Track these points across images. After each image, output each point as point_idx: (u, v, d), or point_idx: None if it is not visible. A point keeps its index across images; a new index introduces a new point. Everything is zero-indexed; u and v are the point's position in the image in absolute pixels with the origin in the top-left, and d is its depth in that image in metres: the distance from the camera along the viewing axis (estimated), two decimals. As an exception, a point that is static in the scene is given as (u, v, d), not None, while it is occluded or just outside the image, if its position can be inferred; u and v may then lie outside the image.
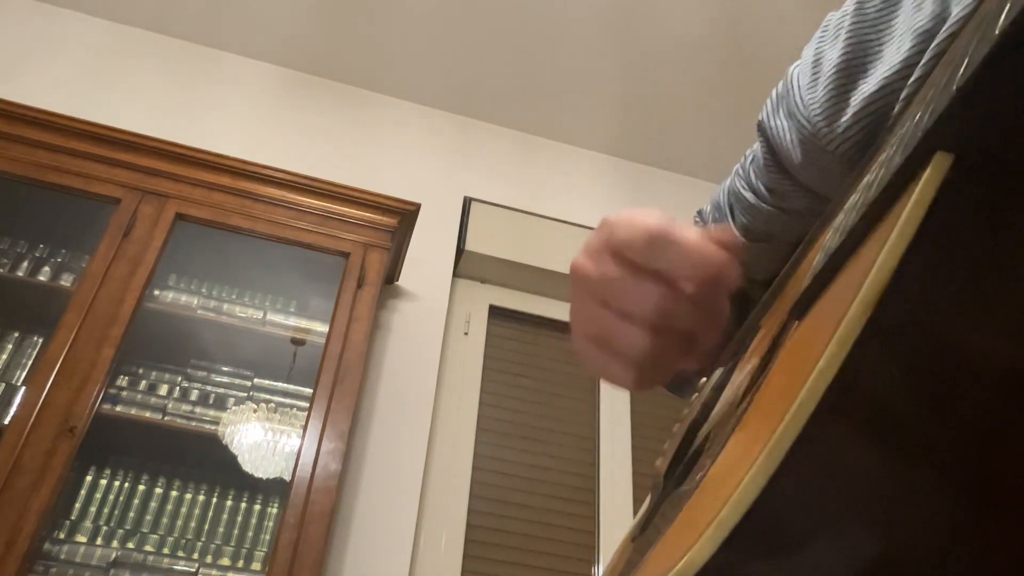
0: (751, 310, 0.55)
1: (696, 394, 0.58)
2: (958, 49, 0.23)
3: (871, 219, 0.27)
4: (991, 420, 0.24)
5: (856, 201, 0.29)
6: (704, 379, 0.58)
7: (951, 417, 0.24)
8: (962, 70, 0.22)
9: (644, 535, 0.48)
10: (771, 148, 0.58)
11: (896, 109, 0.43)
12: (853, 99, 0.48)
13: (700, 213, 0.71)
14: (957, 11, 0.38)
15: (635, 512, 2.48)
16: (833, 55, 0.51)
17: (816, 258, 0.33)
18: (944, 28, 0.39)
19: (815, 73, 0.52)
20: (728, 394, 0.45)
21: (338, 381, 2.06)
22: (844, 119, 0.48)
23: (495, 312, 2.79)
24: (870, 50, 0.48)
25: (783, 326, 0.36)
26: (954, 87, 0.22)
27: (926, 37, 0.43)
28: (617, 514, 2.47)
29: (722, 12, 2.69)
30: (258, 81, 2.94)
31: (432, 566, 2.25)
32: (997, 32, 0.21)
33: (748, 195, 0.62)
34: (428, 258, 2.67)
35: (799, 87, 0.54)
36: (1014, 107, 0.22)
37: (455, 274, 2.77)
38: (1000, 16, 0.21)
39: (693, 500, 0.34)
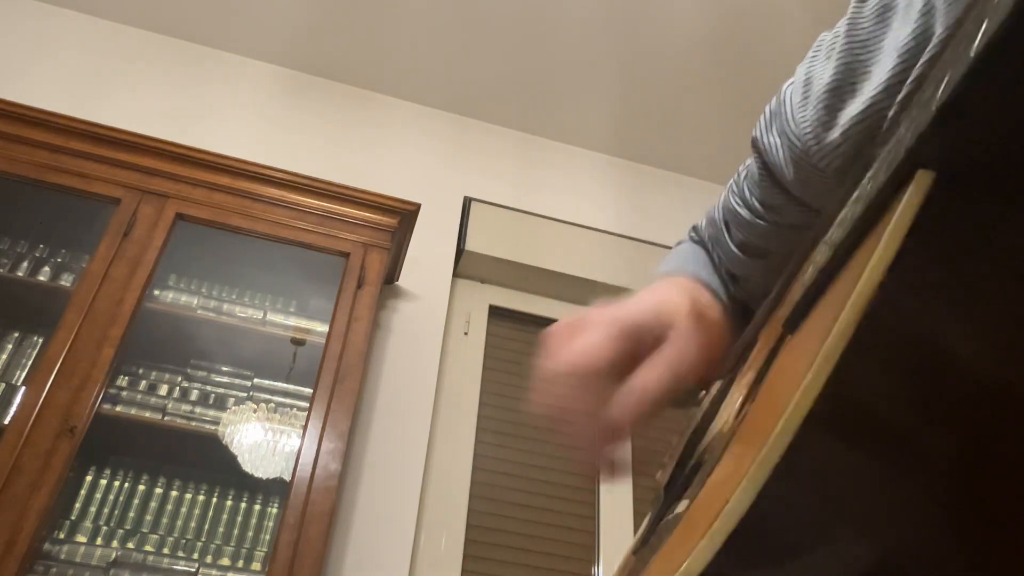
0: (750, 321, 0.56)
1: (695, 408, 0.59)
2: (940, 68, 0.24)
3: (857, 234, 0.28)
4: (978, 428, 0.24)
5: (845, 216, 0.29)
6: (703, 392, 0.58)
7: (939, 425, 0.24)
8: (941, 89, 0.22)
9: (645, 548, 0.48)
10: (765, 164, 0.59)
11: (885, 126, 0.44)
12: (841, 119, 0.48)
13: (695, 228, 0.72)
14: (940, 31, 0.39)
15: (635, 512, 2.49)
16: (824, 75, 0.51)
17: (807, 272, 0.34)
18: (928, 47, 0.39)
19: (806, 92, 0.53)
20: (726, 407, 0.45)
21: (338, 381, 2.06)
22: (832, 138, 0.49)
23: (495, 312, 2.79)
24: (859, 70, 0.49)
25: (777, 340, 0.36)
26: (933, 107, 0.23)
27: (908, 55, 0.43)
28: (617, 514, 2.48)
29: (722, 12, 2.68)
30: (258, 81, 2.94)
31: (432, 566, 2.25)
32: (972, 54, 0.21)
33: (743, 211, 0.63)
34: (428, 258, 2.68)
35: (791, 106, 0.54)
36: (993, 125, 0.23)
37: (455, 274, 2.77)
38: (976, 37, 0.21)
39: (690, 512, 0.34)
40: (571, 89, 2.99)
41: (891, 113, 0.43)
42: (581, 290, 2.80)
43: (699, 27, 2.73)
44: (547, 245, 2.81)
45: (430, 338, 2.57)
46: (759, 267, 0.63)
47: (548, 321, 2.98)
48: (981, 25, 0.21)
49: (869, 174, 0.27)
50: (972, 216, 0.24)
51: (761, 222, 0.61)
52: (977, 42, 0.21)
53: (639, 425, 0.47)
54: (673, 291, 0.56)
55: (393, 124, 3.00)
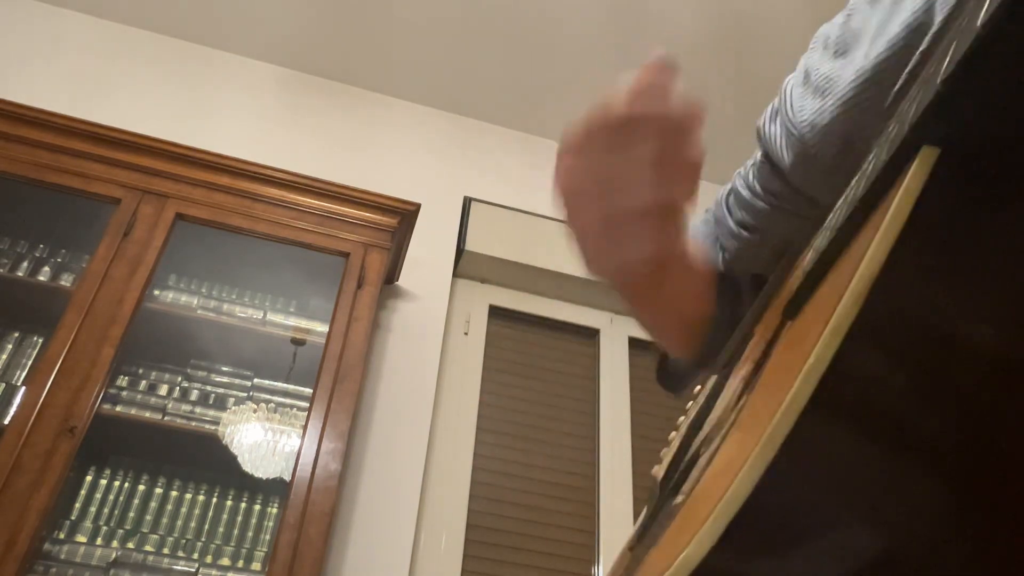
0: (741, 303, 0.56)
1: (691, 402, 0.59)
2: (942, 49, 0.24)
3: (860, 215, 0.27)
4: (979, 409, 0.24)
5: (845, 199, 0.29)
6: (699, 387, 0.58)
7: (941, 407, 0.24)
8: (945, 64, 0.22)
9: (642, 543, 0.48)
10: (766, 152, 0.60)
11: (884, 114, 0.44)
12: (842, 110, 0.49)
13: (707, 211, 0.75)
14: (940, 15, 0.39)
15: (635, 512, 2.48)
16: (821, 66, 0.52)
17: (807, 258, 0.34)
18: (928, 34, 0.40)
19: (805, 84, 0.54)
20: (723, 400, 0.45)
21: (338, 381, 2.06)
22: (834, 131, 0.50)
23: (495, 312, 2.79)
24: (856, 60, 0.49)
25: (777, 328, 0.36)
26: (938, 81, 0.22)
27: (898, 45, 0.43)
28: (617, 514, 2.47)
29: (722, 13, 2.68)
30: (258, 81, 2.94)
31: (432, 566, 2.25)
32: (978, 24, 0.21)
33: (745, 192, 0.65)
34: (428, 258, 2.67)
35: (791, 97, 0.56)
36: (997, 99, 0.22)
37: (455, 274, 2.77)
38: (980, 11, 0.21)
39: (690, 501, 0.34)
40: (571, 89, 2.99)
41: (888, 101, 0.43)
42: (581, 290, 2.79)
43: (699, 28, 2.73)
44: (547, 245, 2.81)
45: (430, 338, 2.56)
46: (750, 241, 0.65)
47: (548, 321, 2.98)
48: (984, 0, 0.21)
49: (870, 157, 0.27)
50: (978, 193, 0.24)
51: (760, 202, 0.63)
52: (983, 13, 0.20)
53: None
54: None
55: (393, 124, 3.00)
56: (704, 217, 0.74)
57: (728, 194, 0.69)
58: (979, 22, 0.20)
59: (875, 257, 0.23)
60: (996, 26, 0.20)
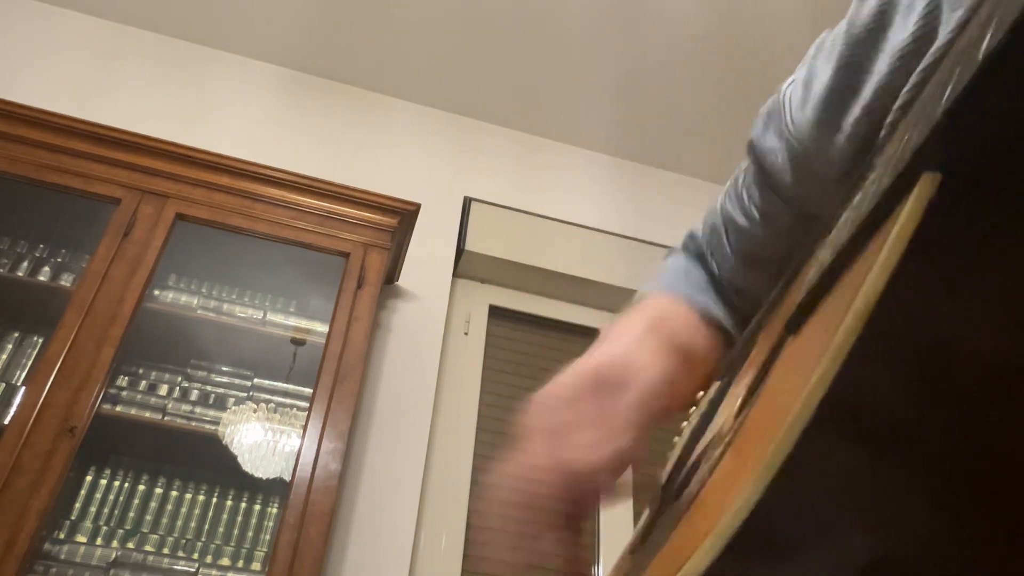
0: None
1: (694, 407, 0.59)
2: (944, 72, 0.24)
3: (861, 237, 0.28)
4: (979, 411, 0.24)
5: (848, 218, 0.29)
6: (702, 393, 0.58)
7: (941, 412, 0.24)
8: (947, 93, 0.22)
9: (643, 547, 0.48)
10: (761, 168, 0.58)
11: (884, 131, 0.44)
12: (841, 122, 0.48)
13: (692, 236, 0.71)
14: (944, 34, 0.39)
15: (635, 513, 2.48)
16: (824, 76, 0.51)
17: (810, 273, 0.34)
18: (931, 50, 0.39)
19: (806, 94, 0.52)
20: (726, 407, 0.45)
21: (338, 381, 2.06)
22: (836, 142, 0.49)
23: (495, 312, 2.79)
24: (858, 71, 0.48)
25: (779, 341, 0.36)
26: (939, 111, 0.23)
27: (907, 57, 0.43)
28: (617, 515, 2.48)
29: (722, 12, 2.68)
30: (258, 81, 2.94)
31: (432, 566, 2.25)
32: (980, 56, 0.21)
33: (741, 220, 0.62)
34: (428, 258, 2.67)
35: (790, 107, 0.54)
36: (998, 129, 0.23)
37: (455, 274, 2.77)
38: (984, 40, 0.21)
39: (691, 512, 0.34)
40: (571, 89, 2.99)
41: (890, 119, 0.43)
42: (581, 290, 2.80)
43: (699, 27, 2.73)
44: (547, 245, 2.81)
45: (430, 338, 2.57)
46: (759, 278, 0.62)
47: (548, 321, 2.97)
48: (989, 27, 0.21)
49: (872, 176, 0.27)
50: (977, 219, 0.24)
51: (758, 232, 0.61)
52: (986, 44, 0.21)
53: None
54: (635, 330, 0.58)
55: (393, 124, 3.00)
56: (684, 252, 0.71)
57: (721, 217, 0.65)
58: (981, 53, 0.21)
59: (875, 281, 0.24)
60: (998, 58, 0.20)
